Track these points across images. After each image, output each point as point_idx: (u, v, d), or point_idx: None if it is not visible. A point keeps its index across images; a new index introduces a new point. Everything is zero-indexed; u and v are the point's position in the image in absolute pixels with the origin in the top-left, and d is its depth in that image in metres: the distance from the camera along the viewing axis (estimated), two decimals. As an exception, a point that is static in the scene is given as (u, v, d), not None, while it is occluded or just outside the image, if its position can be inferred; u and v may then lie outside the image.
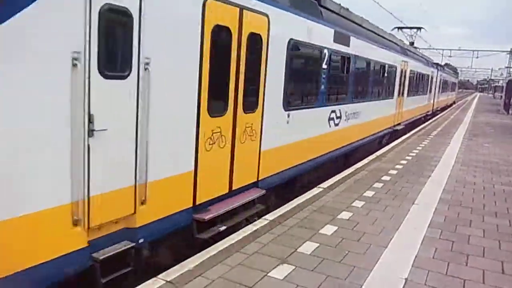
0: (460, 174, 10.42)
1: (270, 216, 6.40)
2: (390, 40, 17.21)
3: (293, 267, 4.77)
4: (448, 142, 16.20)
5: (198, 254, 4.95)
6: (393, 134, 17.68)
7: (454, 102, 54.08)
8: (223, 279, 4.42)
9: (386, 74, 14.94)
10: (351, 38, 10.59)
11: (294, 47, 7.63)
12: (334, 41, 9.50)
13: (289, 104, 7.67)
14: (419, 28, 29.64)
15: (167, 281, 4.29)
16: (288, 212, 6.67)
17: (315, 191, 8.01)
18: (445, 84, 39.67)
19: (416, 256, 5.27)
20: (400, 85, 17.42)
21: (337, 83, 10.38)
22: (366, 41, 12.17)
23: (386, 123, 16.24)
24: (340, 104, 10.41)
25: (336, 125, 10.27)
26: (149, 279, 4.37)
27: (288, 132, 7.83)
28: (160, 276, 4.41)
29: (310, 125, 8.83)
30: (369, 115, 13.22)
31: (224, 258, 4.90)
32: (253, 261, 4.89)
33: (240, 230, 5.79)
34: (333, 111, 9.97)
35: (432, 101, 29.91)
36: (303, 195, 7.71)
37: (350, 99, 11.19)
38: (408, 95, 19.53)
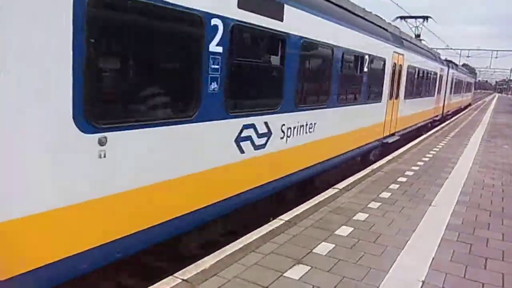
0: (478, 176, 10.27)
1: (285, 217, 6.40)
2: (375, 24, 12.47)
3: (309, 268, 4.77)
4: (466, 144, 15.98)
5: (214, 253, 4.98)
6: (388, 147, 14.12)
7: (469, 104, 50.11)
8: (238, 279, 4.44)
9: (365, 69, 10.70)
10: (287, 7, 6.58)
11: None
12: (241, 6, 5.55)
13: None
14: (425, 18, 25.62)
15: (183, 280, 4.33)
16: (303, 212, 6.66)
17: (330, 192, 7.98)
18: (459, 84, 35.47)
19: (433, 259, 5.22)
20: (392, 84, 13.56)
21: (256, 78, 6.46)
22: (324, 16, 8.01)
23: (367, 136, 11.83)
24: (269, 114, 6.54)
25: (259, 147, 6.40)
26: (165, 277, 4.41)
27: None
28: (176, 274, 4.45)
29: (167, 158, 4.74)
30: (333, 127, 9.09)
31: (240, 257, 4.92)
32: (268, 261, 4.90)
33: (256, 230, 5.81)
34: (249, 126, 6.10)
35: (441, 104, 26.65)
36: (319, 196, 7.69)
37: (291, 104, 7.14)
38: (406, 97, 15.94)
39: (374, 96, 12.00)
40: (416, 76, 17.38)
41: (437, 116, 25.29)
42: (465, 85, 42.19)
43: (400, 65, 14.30)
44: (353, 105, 10.29)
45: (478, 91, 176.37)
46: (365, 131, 11.46)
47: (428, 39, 27.86)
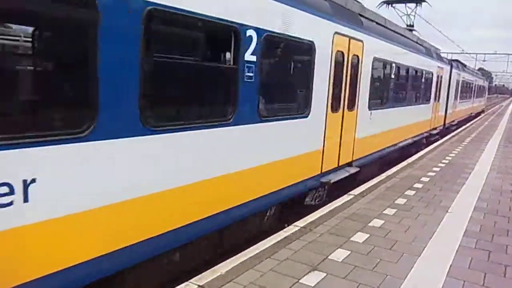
0: (496, 182, 10.12)
1: (301, 223, 6.40)
2: None
3: (325, 274, 4.76)
4: (483, 149, 15.76)
5: (230, 259, 5.00)
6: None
7: (483, 111, 43.79)
8: (254, 285, 4.45)
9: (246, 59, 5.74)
10: None
11: None
12: None
13: None
14: (418, 2, 21.05)
15: (199, 286, 4.36)
16: (319, 219, 6.65)
17: (345, 198, 7.95)
18: (467, 88, 29.11)
19: (451, 266, 5.15)
20: (336, 88, 8.52)
21: None
22: None
23: (280, 178, 6.98)
24: None
25: None
26: (181, 283, 4.44)
27: None
28: (192, 280, 4.48)
29: None
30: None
31: (255, 264, 4.93)
32: (284, 267, 4.90)
33: (271, 236, 5.81)
34: None
35: (442, 113, 21.37)
36: (334, 202, 7.66)
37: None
38: (374, 106, 10.79)
39: (291, 108, 7.31)
40: (394, 76, 12.54)
41: (435, 128, 19.99)
42: (476, 89, 35.59)
43: (356, 56, 9.24)
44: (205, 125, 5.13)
45: (495, 95, 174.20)
46: (278, 170, 6.74)
47: (442, 44, 26.36)
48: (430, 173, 10.66)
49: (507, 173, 11.23)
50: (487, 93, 42.12)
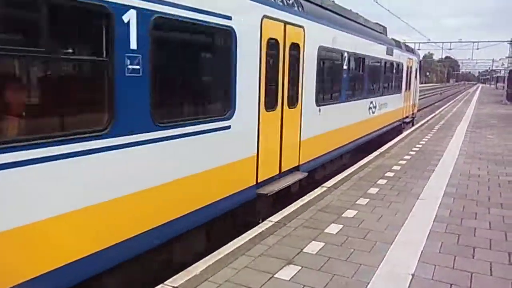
0: (465, 167, 10.39)
1: (274, 218, 6.41)
2: None
3: (299, 268, 4.78)
4: (452, 135, 16.16)
5: (204, 259, 4.97)
6: None
7: (412, 114, 22.31)
8: (230, 283, 4.43)
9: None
10: None
11: None
12: None
13: None
14: None
15: (174, 287, 4.31)
16: (292, 212, 6.68)
17: (319, 190, 8.01)
18: (374, 71, 14.18)
19: (422, 251, 5.26)
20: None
21: None
22: None
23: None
24: None
25: None
26: (156, 285, 4.39)
27: None
28: (167, 282, 4.43)
29: None
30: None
31: (230, 261, 4.91)
32: (259, 263, 4.90)
33: (246, 233, 5.80)
34: None
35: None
36: (307, 195, 7.71)
37: None
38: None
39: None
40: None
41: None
42: (394, 73, 17.29)
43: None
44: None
45: (463, 82, 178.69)
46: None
47: (410, 36, 27.24)
48: (401, 162, 10.86)
49: (475, 158, 11.55)
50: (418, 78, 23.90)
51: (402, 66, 17.94)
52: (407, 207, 7.06)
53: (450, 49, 70.68)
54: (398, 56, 16.93)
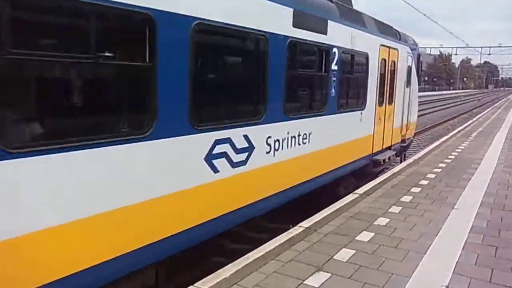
0: (503, 176, 10.03)
1: (305, 224, 6.37)
2: None
3: (329, 275, 4.73)
4: (490, 143, 15.64)
5: (234, 262, 4.98)
6: None
7: (402, 141, 12.99)
8: (259, 287, 4.44)
9: None
10: None
11: None
12: None
13: None
14: None
15: (204, 290, 4.35)
16: (323, 219, 6.62)
17: (350, 197, 7.91)
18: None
19: (457, 263, 5.11)
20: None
21: None
22: None
23: None
24: None
25: None
26: (186, 287, 4.44)
27: None
28: (197, 284, 4.47)
29: None
30: None
31: (259, 266, 4.92)
32: (288, 269, 4.89)
33: (276, 238, 5.80)
34: None
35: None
36: (339, 201, 7.63)
37: None
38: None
39: None
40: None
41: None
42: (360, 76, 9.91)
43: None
44: None
45: (502, 88, 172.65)
46: None
47: (446, 41, 24.49)
48: (436, 169, 10.59)
49: (514, 167, 11.13)
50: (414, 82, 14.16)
51: (368, 60, 9.41)
52: (442, 216, 6.87)
53: (489, 54, 68.54)
54: (354, 39, 8.58)
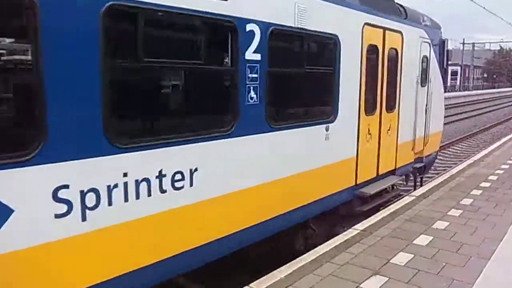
0: None
1: (360, 226, 6.27)
2: None
3: (387, 279, 4.63)
4: (558, 143, 14.68)
5: (288, 264, 5.00)
6: None
7: (418, 160, 9.57)
8: (314, 290, 4.42)
9: None
10: None
11: None
12: None
13: None
14: None
15: (259, 290, 4.39)
16: (379, 221, 6.49)
17: (407, 199, 7.70)
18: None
19: (524, 270, 4.84)
20: None
21: None
22: None
23: None
24: None
25: None
26: (241, 287, 4.50)
27: None
28: (252, 284, 4.52)
29: None
30: None
31: (315, 268, 4.89)
32: (344, 271, 4.83)
33: (330, 240, 5.75)
34: None
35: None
36: (394, 204, 7.45)
37: None
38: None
39: None
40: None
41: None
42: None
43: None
44: None
45: None
46: None
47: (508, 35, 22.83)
48: (498, 171, 10.08)
49: None
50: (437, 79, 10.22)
51: (339, 47, 6.26)
52: (506, 220, 6.53)
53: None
54: (304, 12, 5.53)
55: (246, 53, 4.74)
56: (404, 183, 9.62)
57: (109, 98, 3.51)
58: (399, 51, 8.08)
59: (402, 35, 8.09)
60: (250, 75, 4.82)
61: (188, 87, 4.61)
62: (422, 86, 8.97)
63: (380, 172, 7.81)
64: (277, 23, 5.10)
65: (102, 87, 3.46)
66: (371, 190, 7.30)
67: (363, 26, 6.88)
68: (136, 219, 3.81)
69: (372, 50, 7.26)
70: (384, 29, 7.51)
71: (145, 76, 4.02)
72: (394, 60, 7.99)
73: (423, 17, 8.97)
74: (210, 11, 4.27)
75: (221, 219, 4.71)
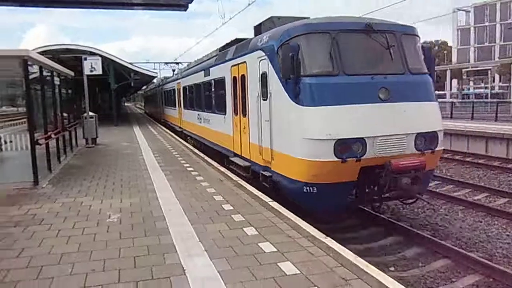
0: None
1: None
2: None
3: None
4: None
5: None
6: None
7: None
8: None
9: None
10: None
11: None
12: None
13: None
14: None
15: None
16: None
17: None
18: None
19: None
20: None
21: None
22: None
23: None
24: None
25: None
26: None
27: None
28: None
29: None
30: None
31: None
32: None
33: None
34: None
35: None
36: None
37: None
38: None
39: None
40: None
41: None
42: None
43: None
44: None
45: None
46: None
47: None
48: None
49: None
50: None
51: (224, 80, 12.61)
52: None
53: None
54: None
55: None
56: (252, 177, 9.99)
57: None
58: (246, 75, 10.05)
59: (246, 64, 10.07)
60: None
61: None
62: (263, 99, 8.99)
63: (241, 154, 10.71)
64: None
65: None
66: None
67: (230, 68, 11.33)
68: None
69: (234, 78, 11.10)
70: (237, 64, 10.73)
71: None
72: (243, 81, 10.28)
73: (262, 38, 9.30)
74: None
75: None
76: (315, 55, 7.75)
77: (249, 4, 20.52)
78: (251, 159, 9.90)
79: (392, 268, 6.98)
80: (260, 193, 8.08)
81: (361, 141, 7.20)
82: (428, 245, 7.69)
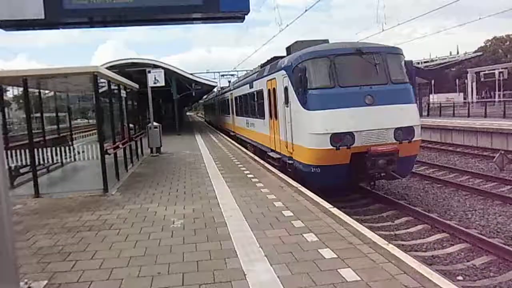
0: None
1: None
2: None
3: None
4: None
5: None
6: None
7: None
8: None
9: None
10: None
11: None
12: None
13: None
14: None
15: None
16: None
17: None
18: None
19: None
20: None
21: None
22: None
23: None
24: None
25: None
26: None
27: None
28: None
29: None
30: None
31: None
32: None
33: None
34: None
35: None
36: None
37: None
38: None
39: None
40: None
41: None
42: None
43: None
44: None
45: None
46: None
47: None
48: None
49: None
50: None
51: (263, 91, 17.27)
52: None
53: None
54: None
55: None
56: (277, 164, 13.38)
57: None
58: (276, 88, 13.10)
59: (275, 79, 13.13)
60: None
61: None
62: (286, 106, 11.97)
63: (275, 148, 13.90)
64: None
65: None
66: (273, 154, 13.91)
67: (266, 82, 14.51)
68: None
69: (268, 90, 14.28)
70: (270, 79, 13.86)
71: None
72: (274, 92, 13.36)
73: (284, 60, 12.46)
74: None
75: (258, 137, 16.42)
76: (318, 74, 10.48)
77: (305, 10, 21.47)
78: (281, 152, 12.87)
79: (460, 278, 6.70)
80: (320, 199, 8.08)
81: (351, 134, 9.81)
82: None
